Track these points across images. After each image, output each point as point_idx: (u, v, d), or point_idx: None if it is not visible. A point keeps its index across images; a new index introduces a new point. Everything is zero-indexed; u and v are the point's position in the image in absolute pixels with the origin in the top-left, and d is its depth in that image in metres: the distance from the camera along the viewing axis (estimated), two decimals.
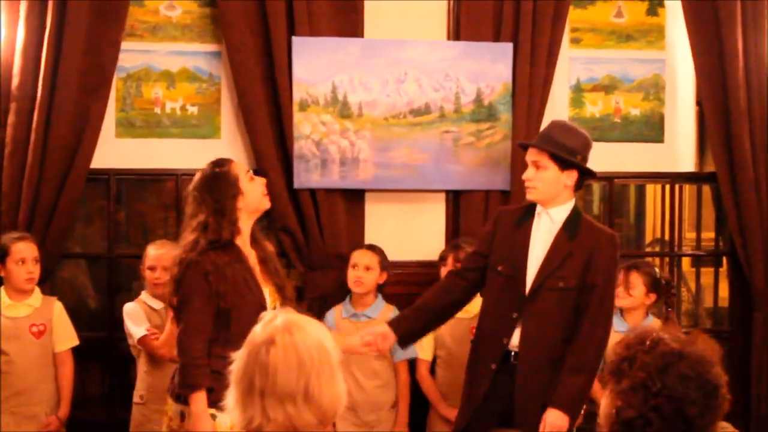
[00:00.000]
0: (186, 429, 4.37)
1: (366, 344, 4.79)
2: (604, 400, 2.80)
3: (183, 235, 4.47)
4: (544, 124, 5.99)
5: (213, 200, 4.39)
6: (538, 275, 4.69)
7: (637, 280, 5.40)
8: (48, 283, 5.64)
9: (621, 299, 5.39)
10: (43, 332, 5.32)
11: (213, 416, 4.34)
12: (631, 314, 5.44)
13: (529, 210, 4.84)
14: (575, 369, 4.59)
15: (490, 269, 4.83)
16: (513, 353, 4.72)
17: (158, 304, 5.39)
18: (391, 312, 5.51)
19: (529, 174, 4.73)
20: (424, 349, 5.61)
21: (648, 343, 2.75)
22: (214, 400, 4.30)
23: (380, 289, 5.67)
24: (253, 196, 4.48)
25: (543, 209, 4.76)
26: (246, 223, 4.49)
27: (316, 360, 2.70)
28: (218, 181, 4.43)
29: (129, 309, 5.42)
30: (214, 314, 4.35)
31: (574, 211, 4.77)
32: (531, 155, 4.74)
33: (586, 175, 4.78)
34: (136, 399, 5.40)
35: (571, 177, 4.73)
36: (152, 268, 5.41)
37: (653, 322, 5.39)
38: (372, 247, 5.66)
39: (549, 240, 4.73)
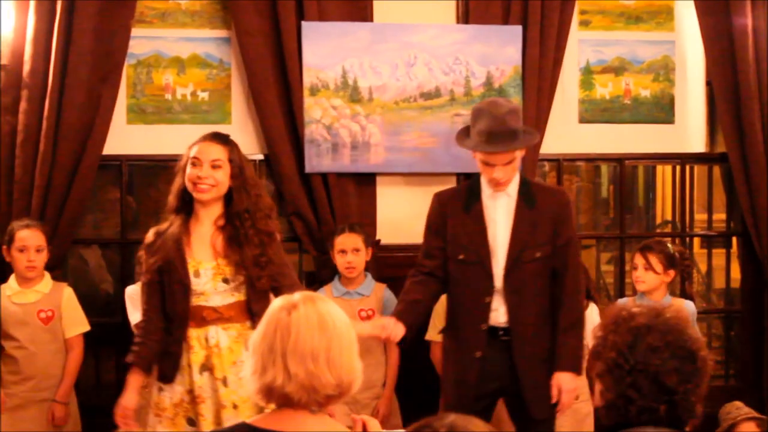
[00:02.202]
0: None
1: (378, 328, 4.76)
2: (595, 385, 2.80)
3: None
4: (555, 106, 6.03)
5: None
6: (511, 251, 4.69)
7: (654, 260, 5.40)
8: (61, 270, 5.67)
9: (641, 283, 5.42)
10: (51, 318, 5.32)
11: (159, 389, 4.40)
12: (653, 294, 5.44)
13: (473, 191, 4.80)
14: (569, 327, 4.67)
15: (451, 261, 4.80)
16: (500, 330, 4.74)
17: None
18: (383, 288, 5.58)
19: (501, 174, 4.64)
20: (439, 331, 5.62)
21: (618, 321, 2.75)
22: (159, 373, 4.41)
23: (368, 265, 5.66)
24: (186, 179, 4.39)
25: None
26: (203, 206, 4.45)
27: (338, 328, 2.74)
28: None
29: (130, 292, 5.44)
30: (151, 289, 4.41)
31: (522, 179, 4.79)
32: (502, 158, 4.62)
33: None
34: None
35: (522, 152, 4.77)
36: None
37: (672, 301, 5.41)
38: (353, 228, 5.62)
39: (510, 215, 4.73)
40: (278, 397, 2.75)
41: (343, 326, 2.78)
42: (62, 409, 5.34)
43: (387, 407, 5.55)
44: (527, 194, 4.74)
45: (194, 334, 4.36)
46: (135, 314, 5.32)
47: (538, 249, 4.70)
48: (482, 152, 4.64)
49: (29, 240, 5.27)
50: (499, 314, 4.75)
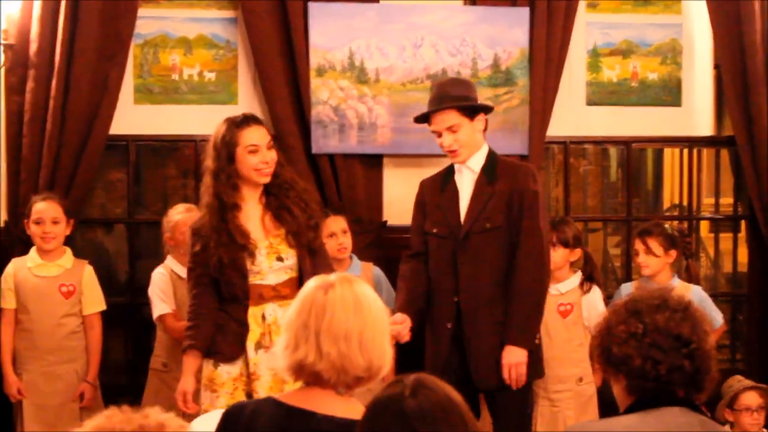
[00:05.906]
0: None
1: (395, 336, 4.68)
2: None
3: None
4: (562, 89, 6.01)
5: (216, 158, 4.43)
6: (465, 222, 4.73)
7: (654, 244, 5.39)
8: (69, 248, 5.67)
9: (645, 267, 5.41)
10: (72, 293, 5.34)
11: (215, 364, 4.41)
12: (658, 277, 5.43)
13: (449, 172, 4.89)
14: (516, 300, 4.65)
15: (429, 236, 4.87)
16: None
17: (184, 271, 5.37)
18: (371, 268, 5.59)
19: (448, 140, 4.70)
20: None
21: (614, 306, 2.84)
22: (215, 351, 4.41)
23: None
24: (244, 169, 4.42)
25: (461, 164, 4.79)
26: (249, 187, 4.48)
27: (372, 311, 2.77)
28: (223, 141, 4.42)
29: (157, 278, 5.35)
30: (201, 272, 4.44)
31: (489, 155, 4.80)
32: (441, 123, 4.69)
33: (487, 113, 4.82)
34: (156, 365, 5.37)
35: (480, 122, 4.76)
36: (170, 236, 5.38)
37: (678, 285, 5.40)
38: (337, 210, 5.64)
39: (471, 190, 4.78)
40: (308, 375, 2.78)
41: (378, 310, 2.81)
42: (93, 390, 5.36)
43: None
44: (490, 169, 4.77)
45: (250, 312, 4.40)
46: (160, 305, 5.26)
47: (488, 221, 4.71)
48: (424, 119, 4.78)
49: (45, 212, 5.29)
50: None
